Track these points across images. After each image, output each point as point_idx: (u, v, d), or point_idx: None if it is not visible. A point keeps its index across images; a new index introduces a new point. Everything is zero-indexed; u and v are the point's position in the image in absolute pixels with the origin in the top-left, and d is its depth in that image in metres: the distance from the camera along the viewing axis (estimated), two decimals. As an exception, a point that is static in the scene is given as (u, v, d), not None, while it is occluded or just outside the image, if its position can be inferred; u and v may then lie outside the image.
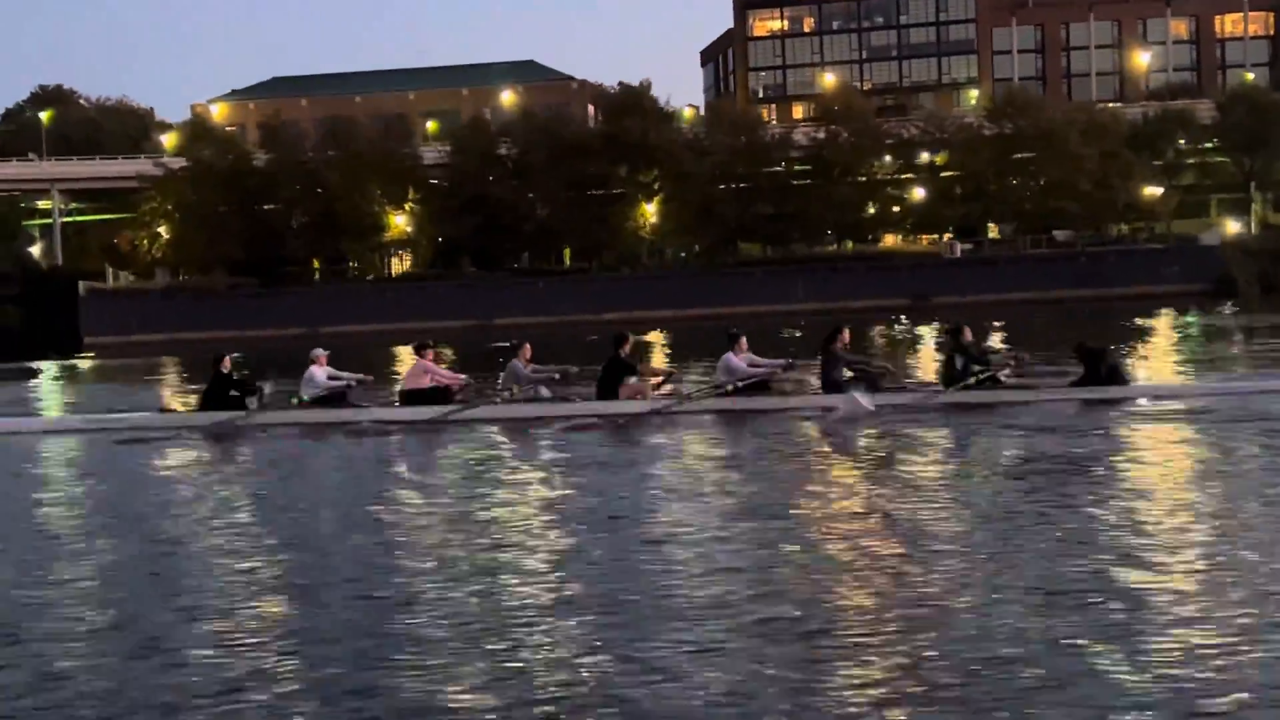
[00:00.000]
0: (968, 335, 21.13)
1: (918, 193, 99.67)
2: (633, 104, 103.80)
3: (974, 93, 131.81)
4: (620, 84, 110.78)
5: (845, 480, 14.53)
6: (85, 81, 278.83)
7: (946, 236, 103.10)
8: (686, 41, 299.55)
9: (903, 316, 73.89)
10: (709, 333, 52.38)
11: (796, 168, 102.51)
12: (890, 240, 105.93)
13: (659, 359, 41.71)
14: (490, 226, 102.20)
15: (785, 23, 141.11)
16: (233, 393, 23.03)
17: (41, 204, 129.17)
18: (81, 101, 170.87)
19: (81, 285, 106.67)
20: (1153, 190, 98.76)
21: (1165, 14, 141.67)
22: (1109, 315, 61.75)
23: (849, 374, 21.20)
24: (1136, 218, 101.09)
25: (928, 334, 52.41)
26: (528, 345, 22.65)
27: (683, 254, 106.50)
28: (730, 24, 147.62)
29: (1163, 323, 57.29)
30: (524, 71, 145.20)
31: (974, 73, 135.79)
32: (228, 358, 23.68)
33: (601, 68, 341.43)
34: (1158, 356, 35.43)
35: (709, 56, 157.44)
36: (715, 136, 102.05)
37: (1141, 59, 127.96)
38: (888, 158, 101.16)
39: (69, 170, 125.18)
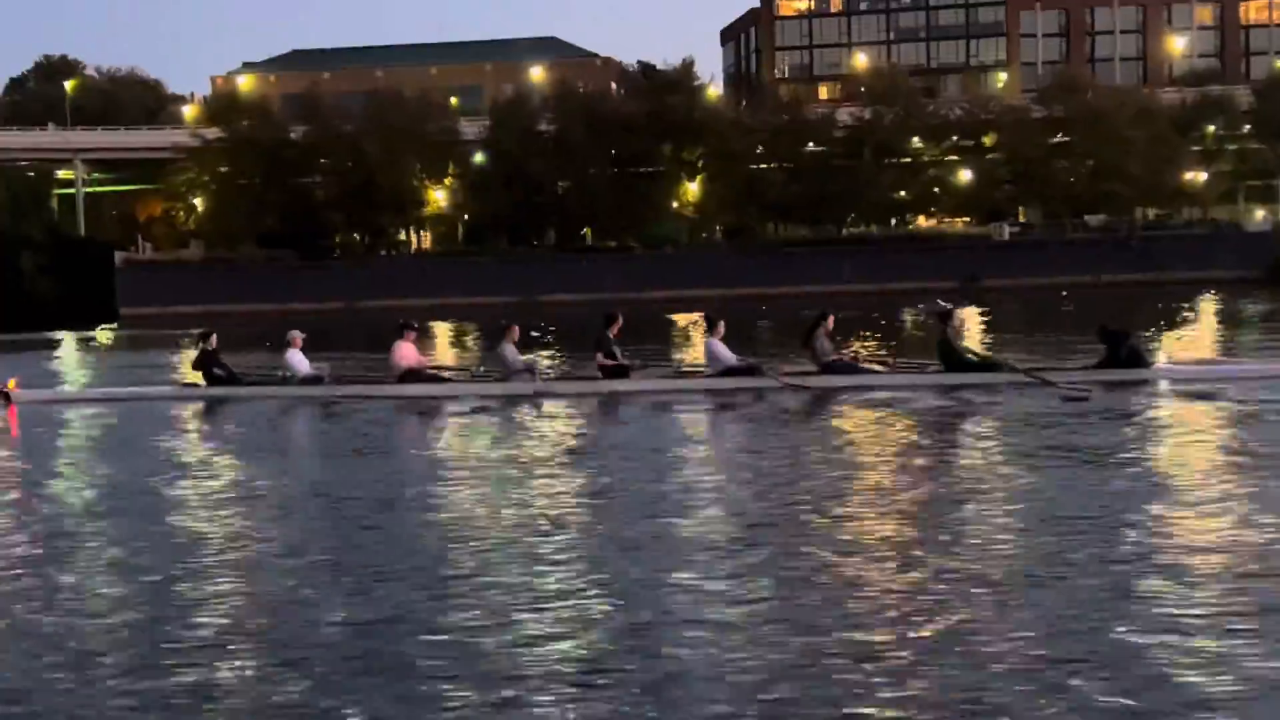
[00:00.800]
0: (957, 321, 21.94)
1: (963, 174, 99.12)
2: (676, 81, 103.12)
3: (1002, 75, 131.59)
4: (639, 62, 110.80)
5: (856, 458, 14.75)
6: (89, 52, 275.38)
7: (966, 219, 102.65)
8: (702, 20, 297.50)
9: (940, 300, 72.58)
10: (749, 314, 52.67)
11: (839, 148, 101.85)
12: (923, 221, 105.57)
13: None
14: (528, 202, 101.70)
15: (812, 2, 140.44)
16: (216, 371, 23.65)
17: (61, 173, 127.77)
18: (90, 72, 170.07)
19: (118, 256, 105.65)
20: (1197, 175, 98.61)
21: (1113, 3, 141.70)
22: (1165, 299, 61.37)
23: (832, 357, 21.59)
24: (1183, 203, 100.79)
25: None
26: (515, 327, 23.32)
27: (704, 234, 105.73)
28: (753, 3, 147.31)
29: (1219, 307, 57.34)
30: (547, 48, 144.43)
31: (1002, 55, 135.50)
32: (214, 335, 24.32)
33: (617, 45, 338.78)
34: (1203, 339, 36.06)
35: (729, 35, 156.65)
36: (758, 114, 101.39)
37: (1176, 44, 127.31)
38: (924, 140, 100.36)
39: (94, 140, 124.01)
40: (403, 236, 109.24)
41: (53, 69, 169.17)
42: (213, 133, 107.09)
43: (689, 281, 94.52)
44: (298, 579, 9.44)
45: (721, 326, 22.07)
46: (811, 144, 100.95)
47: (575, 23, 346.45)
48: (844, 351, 23.11)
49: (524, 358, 23.40)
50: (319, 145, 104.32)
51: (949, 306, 22.30)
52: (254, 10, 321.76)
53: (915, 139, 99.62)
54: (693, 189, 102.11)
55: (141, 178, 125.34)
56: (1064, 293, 73.17)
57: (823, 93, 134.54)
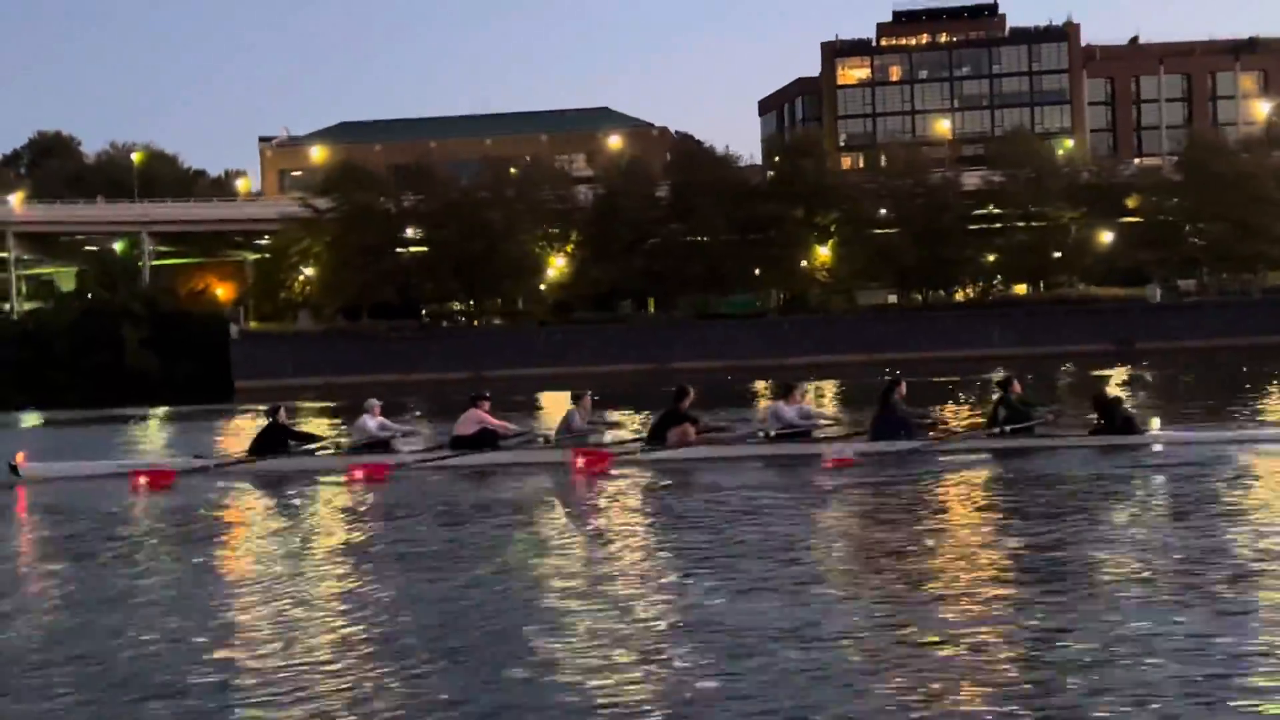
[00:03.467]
0: (1017, 388, 22.24)
1: (1103, 236, 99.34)
2: (806, 146, 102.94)
3: (1068, 142, 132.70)
4: (678, 132, 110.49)
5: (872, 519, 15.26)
6: (82, 129, 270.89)
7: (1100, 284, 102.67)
8: (729, 90, 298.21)
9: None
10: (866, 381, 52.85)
11: (984, 210, 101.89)
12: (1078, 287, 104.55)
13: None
14: (651, 269, 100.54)
15: (871, 71, 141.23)
16: (291, 442, 23.88)
17: (116, 246, 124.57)
18: (81, 149, 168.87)
19: (234, 328, 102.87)
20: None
21: (1234, 67, 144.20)
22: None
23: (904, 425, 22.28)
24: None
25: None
26: (588, 395, 23.95)
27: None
28: (798, 74, 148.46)
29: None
30: (600, 118, 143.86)
31: (1067, 122, 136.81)
32: (283, 407, 24.76)
33: (651, 115, 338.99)
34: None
35: (770, 106, 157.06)
36: (888, 179, 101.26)
37: (1261, 109, 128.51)
38: (1059, 203, 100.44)
39: (162, 212, 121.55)
40: (520, 304, 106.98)
41: (46, 146, 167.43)
42: (323, 202, 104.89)
43: (831, 347, 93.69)
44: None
45: (798, 393, 23.31)
46: (940, 209, 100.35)
47: (606, 93, 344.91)
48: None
49: (593, 424, 23.99)
50: (433, 214, 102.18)
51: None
52: (262, 86, 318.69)
53: (1052, 202, 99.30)
54: (823, 253, 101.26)
55: (200, 250, 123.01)
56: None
57: (883, 161, 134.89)
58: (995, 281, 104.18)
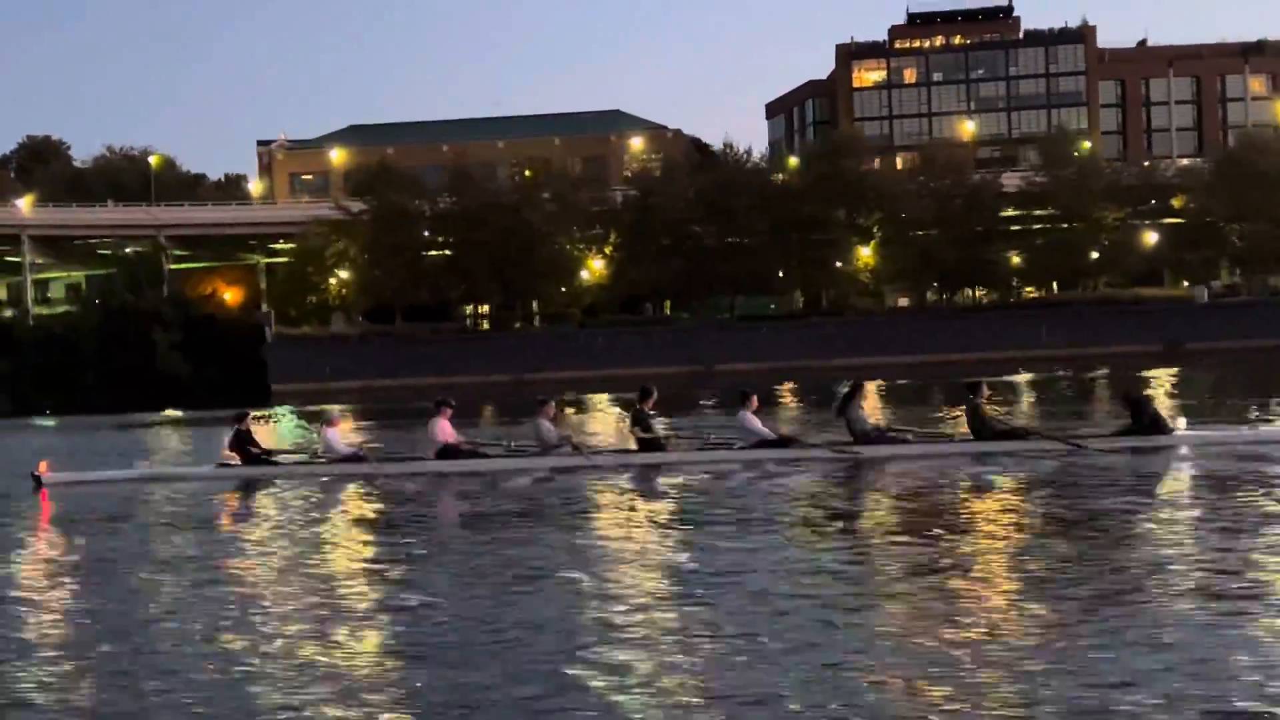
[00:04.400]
0: (985, 391, 22.38)
1: (1148, 237, 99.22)
2: (846, 147, 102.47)
3: (1086, 144, 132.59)
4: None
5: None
6: (72, 134, 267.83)
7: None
8: (732, 93, 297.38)
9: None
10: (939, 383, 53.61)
11: (1012, 211, 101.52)
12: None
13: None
14: (691, 270, 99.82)
15: (887, 73, 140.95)
16: (252, 450, 23.79)
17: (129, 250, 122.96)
18: (72, 154, 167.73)
19: (269, 331, 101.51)
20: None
21: (1244, 70, 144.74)
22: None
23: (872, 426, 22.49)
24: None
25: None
26: (551, 403, 23.85)
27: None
28: (807, 77, 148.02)
29: None
30: (613, 120, 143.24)
31: (1084, 124, 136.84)
32: (249, 415, 24.78)
33: (658, 118, 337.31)
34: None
35: (778, 109, 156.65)
36: (927, 180, 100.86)
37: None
38: (1104, 203, 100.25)
39: (179, 216, 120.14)
40: (554, 306, 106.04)
41: (35, 150, 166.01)
42: (357, 205, 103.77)
43: (873, 348, 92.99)
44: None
45: (754, 400, 22.82)
46: (981, 209, 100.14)
47: (610, 95, 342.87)
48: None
49: (561, 433, 23.83)
50: (469, 215, 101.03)
51: (978, 380, 23.21)
52: (255, 90, 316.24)
53: (1098, 203, 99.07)
54: (865, 254, 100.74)
55: (213, 255, 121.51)
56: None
57: (901, 163, 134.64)
58: (1030, 284, 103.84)
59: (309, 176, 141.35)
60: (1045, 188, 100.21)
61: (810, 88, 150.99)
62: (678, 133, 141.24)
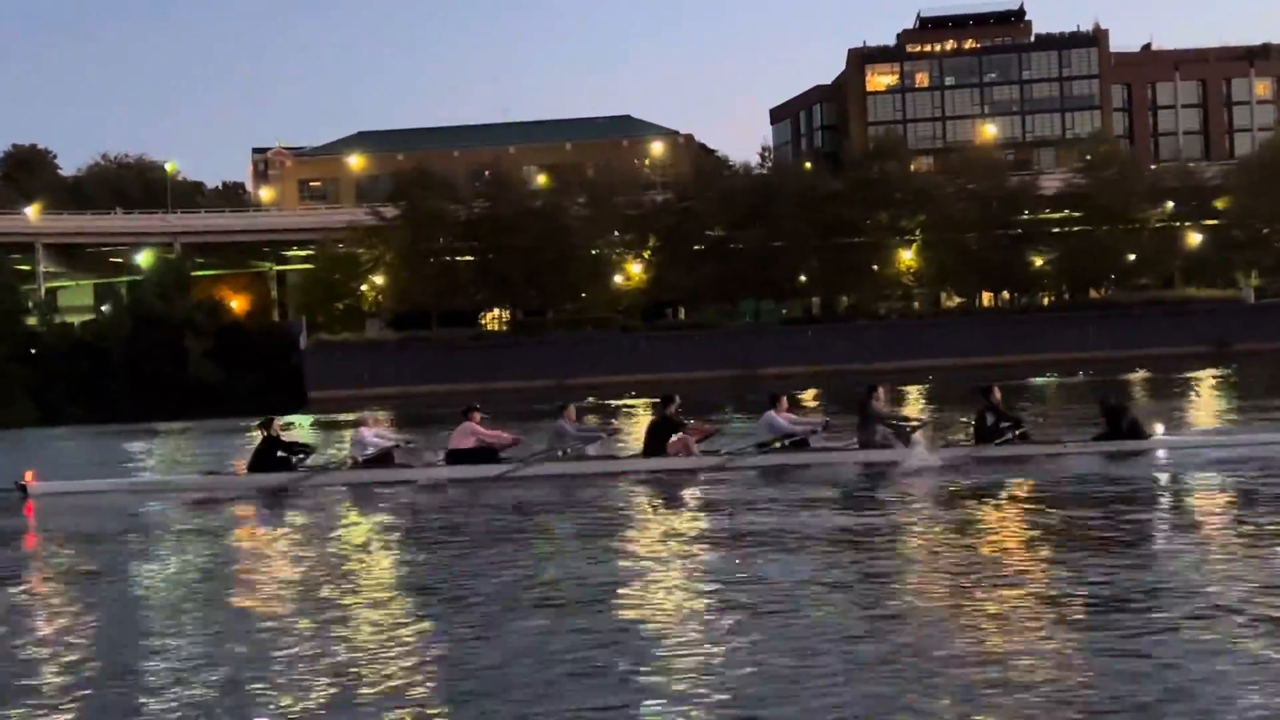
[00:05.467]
0: (997, 394, 22.50)
1: (1193, 238, 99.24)
2: (890, 150, 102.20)
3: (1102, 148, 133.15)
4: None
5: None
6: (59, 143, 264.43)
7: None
8: (733, 98, 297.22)
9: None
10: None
11: (1051, 214, 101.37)
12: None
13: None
14: (729, 274, 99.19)
15: (899, 78, 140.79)
16: (280, 454, 23.48)
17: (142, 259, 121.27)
18: (58, 163, 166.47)
19: (304, 338, 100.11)
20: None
21: (1249, 74, 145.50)
22: None
23: (883, 430, 22.51)
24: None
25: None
26: (572, 406, 23.99)
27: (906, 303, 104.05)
28: (814, 81, 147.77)
29: None
30: (624, 126, 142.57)
31: (1098, 127, 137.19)
32: (277, 421, 24.51)
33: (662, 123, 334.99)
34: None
35: (783, 114, 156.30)
36: (965, 181, 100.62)
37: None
38: (1146, 204, 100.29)
39: (194, 223, 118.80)
40: (589, 309, 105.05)
41: (21, 159, 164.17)
42: (390, 210, 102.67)
43: (923, 351, 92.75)
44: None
45: (784, 401, 23.31)
46: (1020, 212, 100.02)
47: (618, 101, 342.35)
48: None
49: (589, 429, 24.32)
50: (502, 220, 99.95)
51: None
52: (242, 97, 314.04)
53: (1141, 204, 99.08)
54: (907, 257, 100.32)
55: (225, 262, 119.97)
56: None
57: (915, 166, 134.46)
58: (1067, 286, 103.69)
59: (317, 183, 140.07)
60: (1086, 189, 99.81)
61: (817, 92, 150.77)
62: (689, 138, 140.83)
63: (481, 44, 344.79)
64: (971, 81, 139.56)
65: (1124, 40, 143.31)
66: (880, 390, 23.17)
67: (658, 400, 24.34)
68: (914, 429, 22.69)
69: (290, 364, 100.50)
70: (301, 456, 23.69)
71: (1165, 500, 16.93)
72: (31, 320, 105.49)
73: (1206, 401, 41.99)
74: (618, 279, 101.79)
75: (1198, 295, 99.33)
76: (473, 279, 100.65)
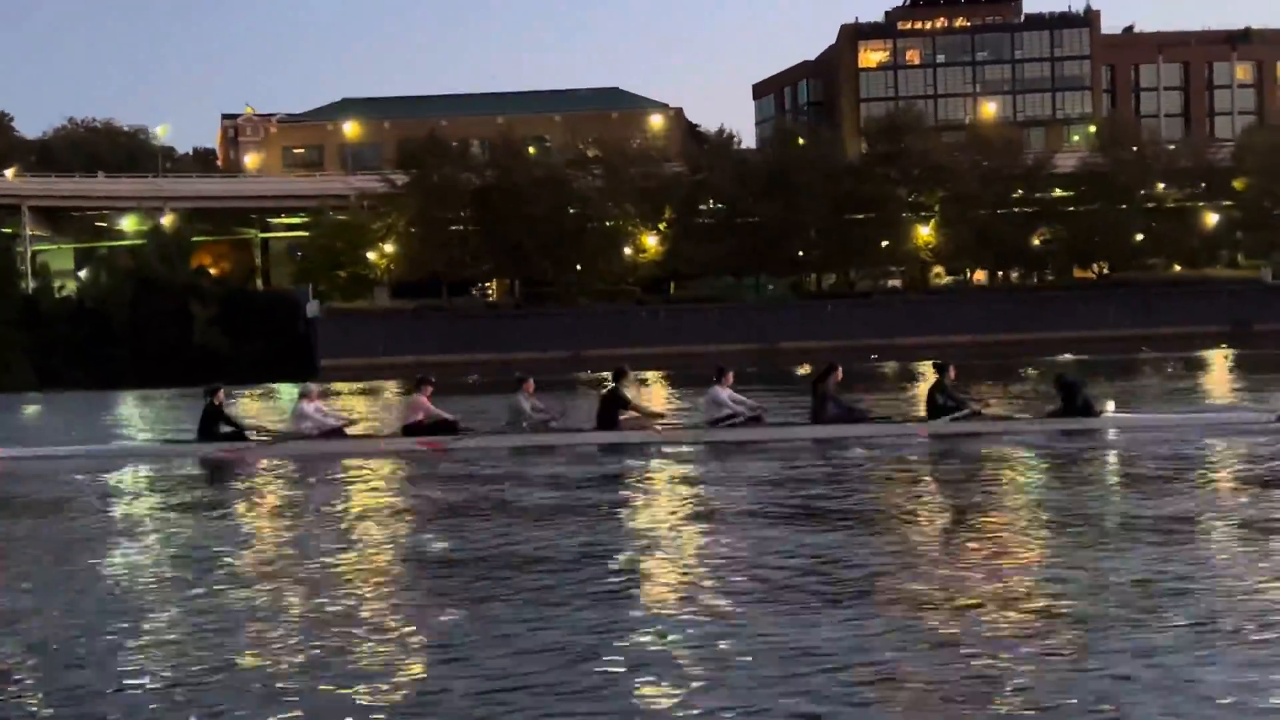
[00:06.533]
0: (952, 374, 22.67)
1: (1210, 218, 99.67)
2: (907, 125, 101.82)
3: (1092, 129, 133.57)
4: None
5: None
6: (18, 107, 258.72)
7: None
8: (716, 72, 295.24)
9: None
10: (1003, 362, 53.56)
11: (1062, 192, 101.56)
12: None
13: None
14: (747, 248, 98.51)
15: (890, 55, 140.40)
16: (224, 428, 23.09)
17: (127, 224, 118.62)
18: (15, 126, 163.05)
19: (314, 306, 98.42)
20: None
21: (1231, 57, 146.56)
22: None
23: (837, 410, 22.54)
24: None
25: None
26: (531, 380, 23.38)
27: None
28: (799, 58, 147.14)
29: None
30: (611, 98, 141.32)
31: (1088, 109, 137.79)
32: (220, 390, 23.72)
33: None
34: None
35: (766, 89, 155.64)
36: (980, 159, 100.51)
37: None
38: (1164, 184, 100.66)
39: (186, 189, 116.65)
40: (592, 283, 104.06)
41: None
42: (400, 177, 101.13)
43: (941, 328, 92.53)
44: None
45: (730, 376, 22.87)
46: (1037, 189, 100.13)
47: (601, 74, 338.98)
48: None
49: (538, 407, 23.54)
50: (514, 190, 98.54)
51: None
52: (213, 62, 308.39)
53: (1153, 183, 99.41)
54: (924, 232, 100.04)
55: (213, 228, 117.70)
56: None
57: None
58: (1081, 264, 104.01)
59: (301, 150, 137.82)
60: (1103, 168, 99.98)
61: (803, 68, 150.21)
62: (679, 112, 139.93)
63: (463, 14, 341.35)
64: (964, 60, 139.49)
65: (1108, 22, 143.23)
66: (839, 371, 22.95)
67: (610, 373, 23.91)
68: (868, 416, 23.08)
69: (296, 332, 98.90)
70: (240, 431, 23.32)
71: (1111, 476, 17.08)
72: (30, 285, 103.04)
73: (1207, 380, 42.22)
74: (628, 251, 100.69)
75: (1216, 275, 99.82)
76: (485, 248, 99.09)
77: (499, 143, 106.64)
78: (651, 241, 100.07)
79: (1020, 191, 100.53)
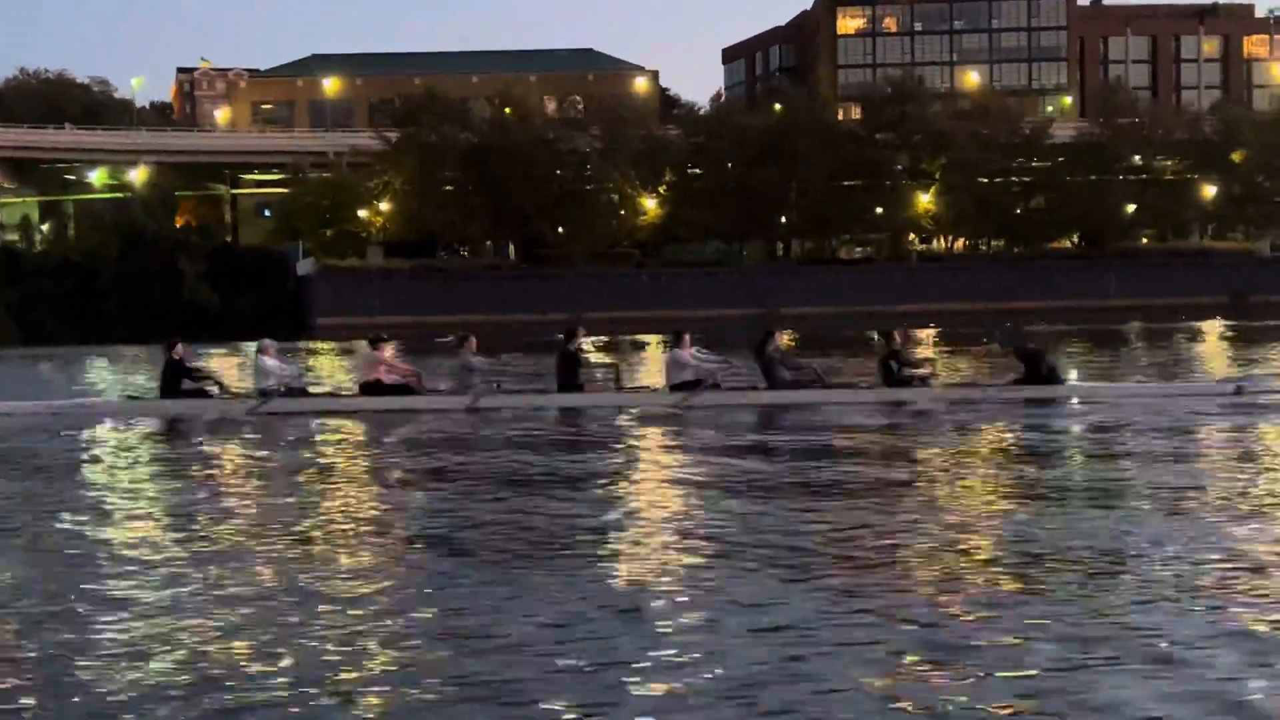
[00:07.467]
0: (898, 340, 22.88)
1: (1207, 190, 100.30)
2: (906, 92, 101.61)
3: (1068, 100, 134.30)
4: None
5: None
6: None
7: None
8: (681, 35, 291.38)
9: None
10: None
11: (1058, 160, 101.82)
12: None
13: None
14: (746, 212, 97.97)
15: (868, 22, 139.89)
16: (186, 383, 22.81)
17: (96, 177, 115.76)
18: None
19: (307, 264, 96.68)
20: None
21: (1198, 31, 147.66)
22: None
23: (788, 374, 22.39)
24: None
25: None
26: (473, 338, 22.99)
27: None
28: (771, 23, 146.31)
29: None
30: (587, 59, 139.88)
31: (1064, 79, 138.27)
32: (179, 344, 23.15)
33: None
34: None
35: (736, 54, 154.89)
36: (980, 127, 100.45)
37: None
38: (1161, 154, 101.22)
39: (160, 142, 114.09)
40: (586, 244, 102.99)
41: None
42: (393, 134, 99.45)
43: (942, 295, 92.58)
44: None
45: (687, 339, 22.58)
46: (1035, 158, 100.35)
47: (570, 35, 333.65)
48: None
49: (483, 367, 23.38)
50: (510, 150, 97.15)
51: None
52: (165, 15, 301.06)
53: (1153, 154, 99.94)
54: (924, 200, 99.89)
55: (193, 184, 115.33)
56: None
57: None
58: (1075, 233, 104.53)
59: (270, 106, 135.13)
60: (1101, 138, 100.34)
61: (775, 34, 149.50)
62: (655, 74, 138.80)
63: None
64: (941, 28, 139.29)
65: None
66: (778, 335, 22.88)
67: (562, 334, 23.24)
68: (812, 379, 22.61)
69: (286, 289, 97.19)
70: (209, 383, 23.03)
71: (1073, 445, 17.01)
72: (13, 238, 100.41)
73: (1196, 350, 42.48)
74: (623, 213, 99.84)
75: (1215, 247, 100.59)
76: (484, 208, 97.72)
77: (496, 101, 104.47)
78: (650, 204, 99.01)
79: (1020, 160, 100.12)
